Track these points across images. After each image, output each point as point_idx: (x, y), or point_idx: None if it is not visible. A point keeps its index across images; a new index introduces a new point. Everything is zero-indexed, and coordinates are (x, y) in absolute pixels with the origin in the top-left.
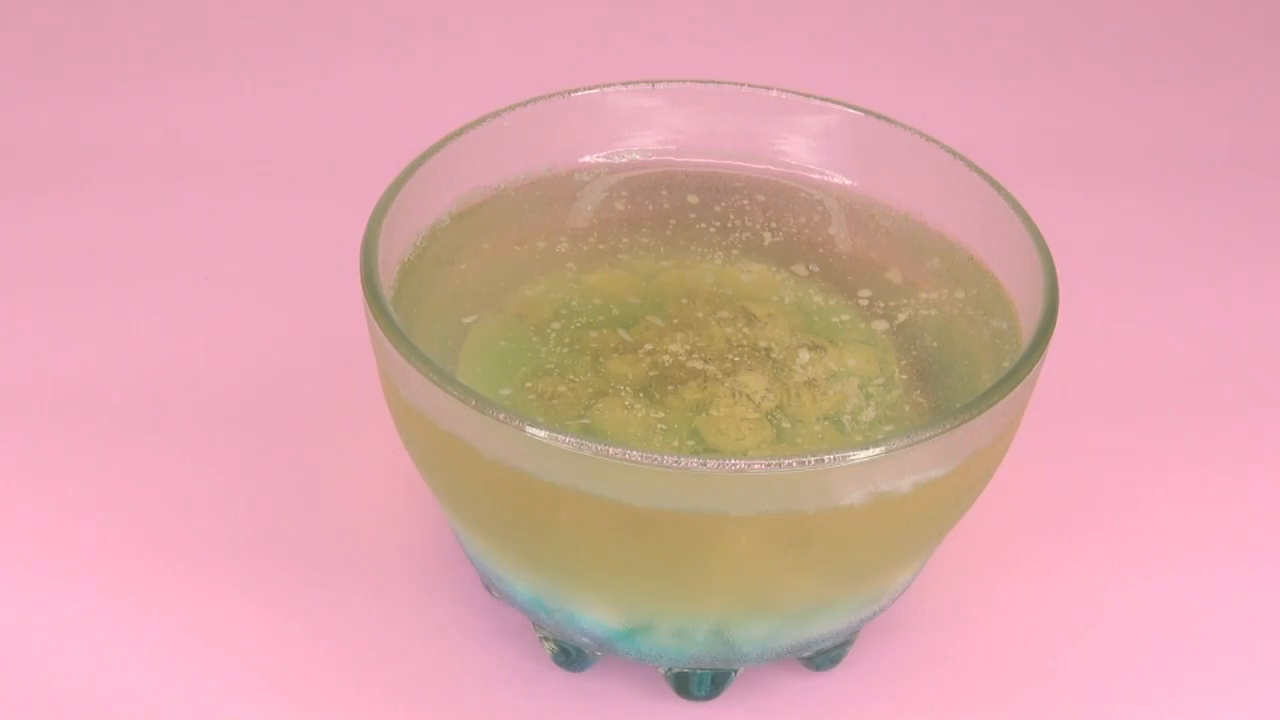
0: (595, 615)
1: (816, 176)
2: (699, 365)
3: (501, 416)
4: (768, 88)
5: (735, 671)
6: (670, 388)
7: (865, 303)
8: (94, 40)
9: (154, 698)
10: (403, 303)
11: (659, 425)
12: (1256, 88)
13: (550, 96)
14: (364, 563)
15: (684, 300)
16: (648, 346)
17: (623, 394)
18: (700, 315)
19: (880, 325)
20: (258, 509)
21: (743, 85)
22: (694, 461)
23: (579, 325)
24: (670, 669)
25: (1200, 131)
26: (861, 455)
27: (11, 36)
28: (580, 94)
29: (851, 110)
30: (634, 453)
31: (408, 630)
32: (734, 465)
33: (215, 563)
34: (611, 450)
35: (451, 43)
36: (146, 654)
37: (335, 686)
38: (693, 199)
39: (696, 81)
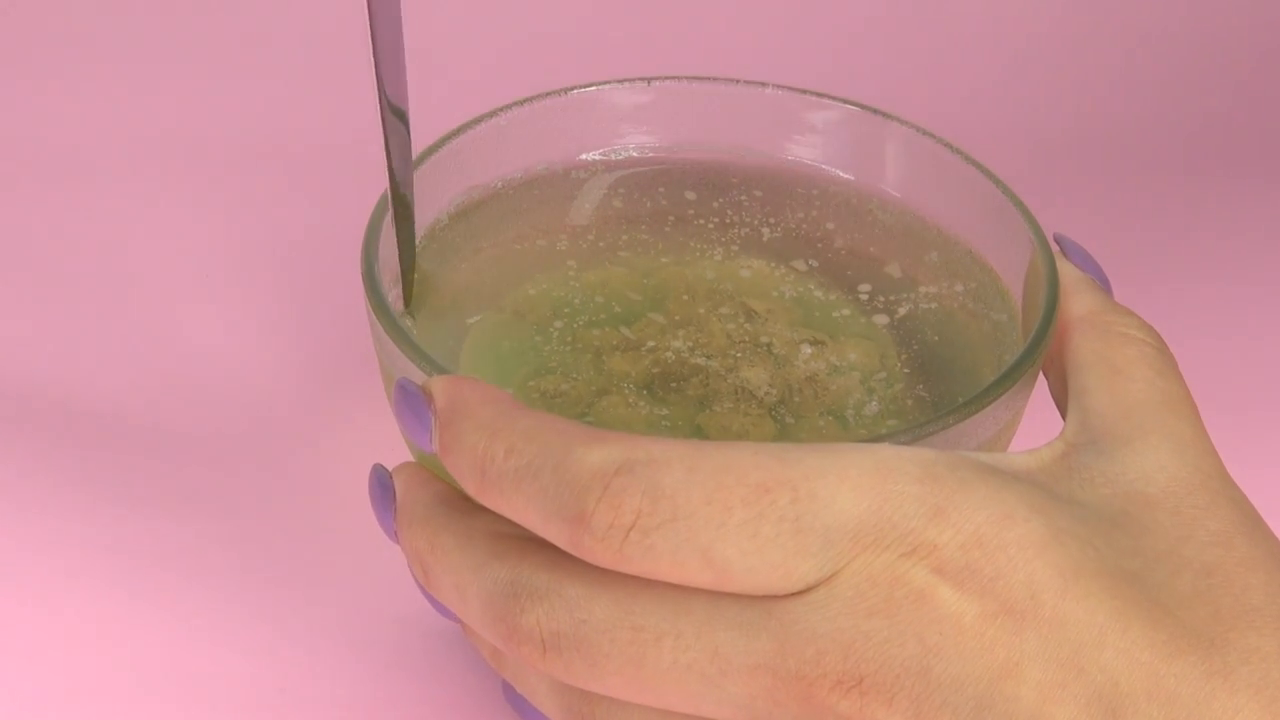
0: None
1: (814, 171)
2: (701, 361)
3: None
4: (763, 84)
5: None
6: (673, 384)
7: (865, 297)
8: (94, 37)
9: (153, 696)
10: None
11: (662, 422)
12: (1257, 83)
13: (547, 95)
14: (364, 562)
15: (685, 297)
16: (649, 344)
17: (625, 391)
18: (701, 311)
19: (881, 319)
20: (257, 507)
21: (739, 82)
22: None
23: (580, 323)
24: None
25: (1200, 127)
26: None
27: (11, 33)
28: (577, 92)
29: (848, 105)
30: None
31: (408, 630)
32: None
33: (213, 561)
34: None
35: (448, 43)
36: (145, 653)
37: (335, 686)
38: (690, 195)
39: (693, 78)
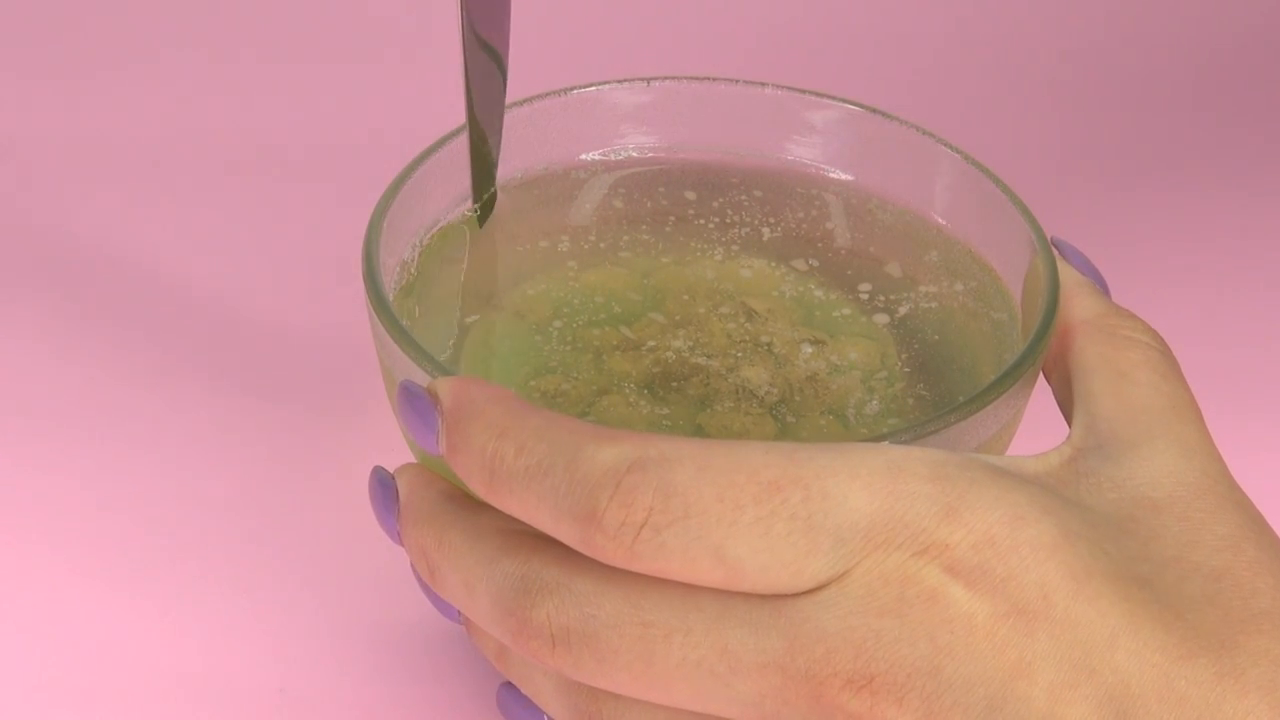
0: None
1: (813, 171)
2: (701, 361)
3: None
4: (763, 84)
5: None
6: (673, 384)
7: (865, 297)
8: (96, 36)
9: (153, 695)
10: (404, 302)
11: (663, 422)
12: (1257, 84)
13: (547, 95)
14: (364, 561)
15: (685, 296)
16: (650, 343)
17: (626, 391)
18: (701, 311)
19: (881, 319)
20: (258, 507)
21: (739, 82)
22: None
23: (581, 323)
24: None
25: (1198, 126)
26: None
27: (11, 32)
28: (577, 92)
29: (848, 105)
30: None
31: (408, 630)
32: None
33: (214, 560)
34: None
35: (450, 43)
36: (145, 653)
37: (335, 686)
38: (690, 195)
39: (693, 78)
